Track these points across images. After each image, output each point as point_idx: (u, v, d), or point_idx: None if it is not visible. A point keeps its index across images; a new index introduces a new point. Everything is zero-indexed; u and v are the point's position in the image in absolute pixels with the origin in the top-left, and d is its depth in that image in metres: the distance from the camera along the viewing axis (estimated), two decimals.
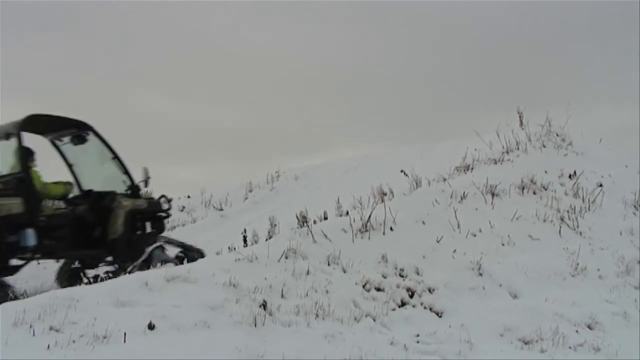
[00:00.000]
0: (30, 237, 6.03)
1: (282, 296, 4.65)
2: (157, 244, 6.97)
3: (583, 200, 7.84)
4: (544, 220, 7.10)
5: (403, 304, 5.07)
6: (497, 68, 26.79)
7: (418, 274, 5.49)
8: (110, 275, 6.26)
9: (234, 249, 5.87)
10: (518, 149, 9.46)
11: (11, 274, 6.28)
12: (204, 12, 28.13)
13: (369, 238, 5.90)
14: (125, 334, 3.52)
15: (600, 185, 8.35)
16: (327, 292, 4.84)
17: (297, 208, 10.22)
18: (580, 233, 7.01)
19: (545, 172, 8.41)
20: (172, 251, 7.06)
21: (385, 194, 7.39)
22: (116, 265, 6.80)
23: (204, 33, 28.71)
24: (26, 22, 23.64)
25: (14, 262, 6.29)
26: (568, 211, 7.39)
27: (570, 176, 8.51)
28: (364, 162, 14.41)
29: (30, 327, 3.43)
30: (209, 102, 29.95)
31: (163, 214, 7.47)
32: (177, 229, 10.55)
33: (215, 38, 28.70)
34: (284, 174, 13.52)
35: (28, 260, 6.41)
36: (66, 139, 7.33)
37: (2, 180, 6.35)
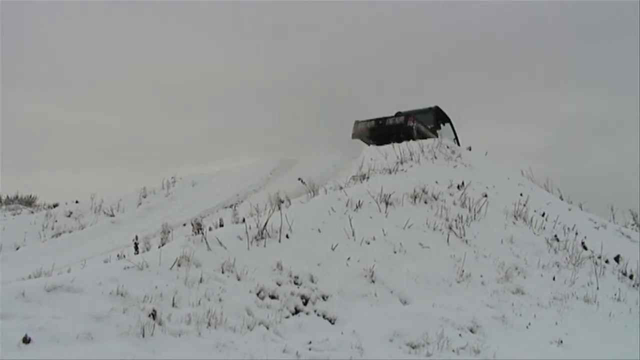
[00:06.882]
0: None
1: (174, 305, 4.51)
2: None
3: (470, 209, 8.26)
4: (434, 229, 7.40)
5: (297, 311, 5.09)
6: (392, 79, 27.88)
7: (312, 281, 5.53)
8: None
9: (124, 256, 5.61)
10: (412, 159, 9.83)
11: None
12: (107, 21, 27.03)
13: (265, 245, 5.88)
14: None
15: (485, 196, 8.84)
16: (220, 300, 4.76)
17: (193, 215, 10.05)
18: (466, 241, 7.38)
19: (436, 182, 8.79)
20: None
21: (282, 202, 7.39)
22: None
23: (102, 41, 27.54)
24: None
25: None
26: (456, 220, 7.76)
27: (458, 187, 8.94)
28: None
29: None
30: (105, 111, 28.72)
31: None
32: (63, 236, 9.94)
33: (114, 47, 27.63)
34: (181, 180, 13.16)
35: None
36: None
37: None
